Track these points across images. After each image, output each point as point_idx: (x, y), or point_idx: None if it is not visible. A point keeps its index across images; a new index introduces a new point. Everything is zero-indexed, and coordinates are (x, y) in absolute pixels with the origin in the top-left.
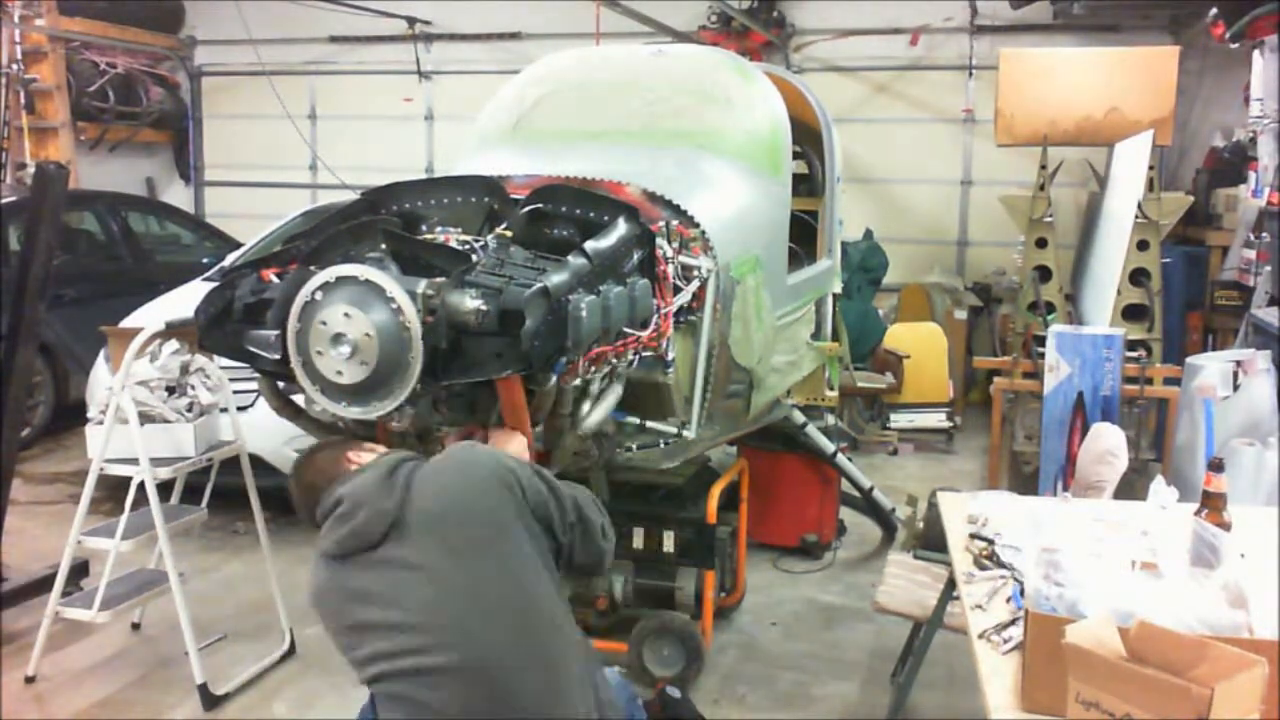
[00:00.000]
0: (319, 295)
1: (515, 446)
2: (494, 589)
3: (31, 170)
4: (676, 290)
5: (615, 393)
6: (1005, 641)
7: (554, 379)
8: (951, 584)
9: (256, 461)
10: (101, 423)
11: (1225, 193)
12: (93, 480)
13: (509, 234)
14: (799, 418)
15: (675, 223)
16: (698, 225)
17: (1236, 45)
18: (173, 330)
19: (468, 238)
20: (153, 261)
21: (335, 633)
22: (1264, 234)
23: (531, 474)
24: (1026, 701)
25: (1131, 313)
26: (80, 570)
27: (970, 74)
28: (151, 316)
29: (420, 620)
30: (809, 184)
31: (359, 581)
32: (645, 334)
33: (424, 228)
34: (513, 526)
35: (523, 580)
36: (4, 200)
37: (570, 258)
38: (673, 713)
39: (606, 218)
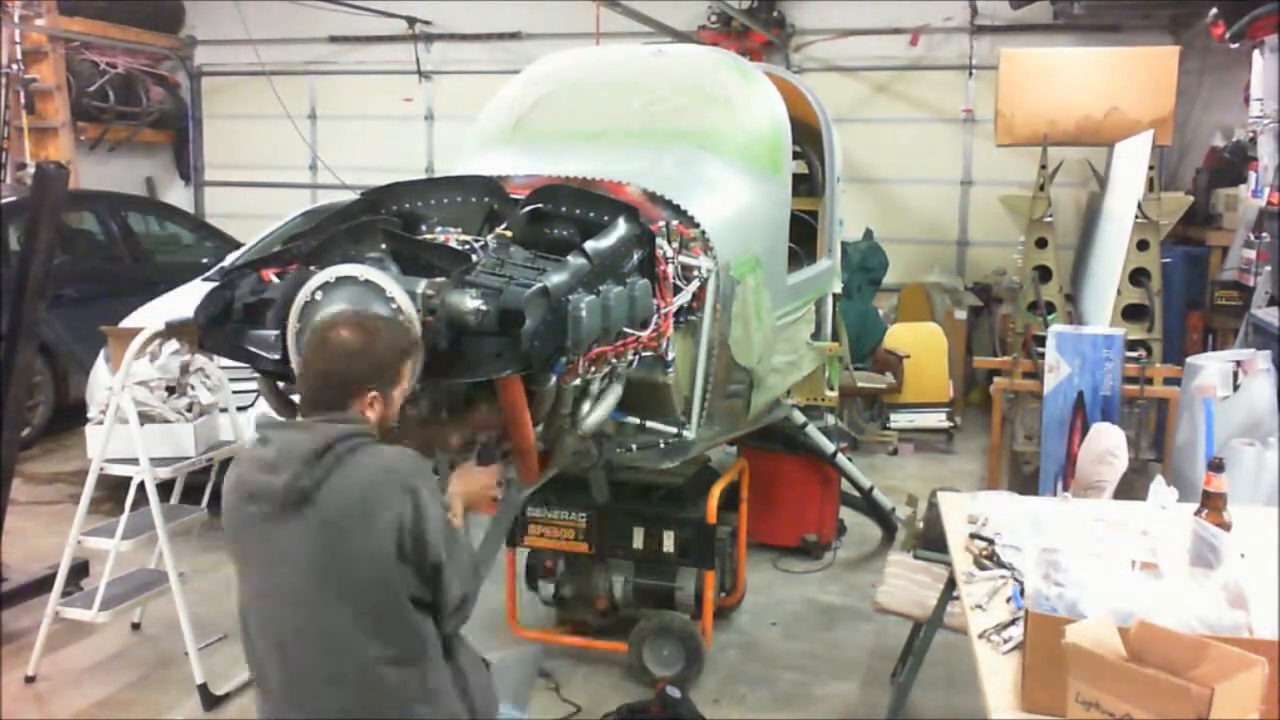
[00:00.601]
0: (319, 295)
1: (479, 484)
2: (323, 618)
3: (31, 170)
4: (676, 290)
5: (615, 393)
6: (1005, 641)
7: (554, 379)
8: (951, 584)
9: None
10: (101, 423)
11: (1225, 193)
12: (93, 480)
13: (509, 234)
14: (799, 418)
15: (675, 223)
16: (698, 225)
17: (1236, 45)
18: (173, 330)
19: (468, 238)
20: (153, 261)
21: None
22: (1264, 234)
23: (425, 508)
24: (1026, 701)
25: (1131, 313)
26: (80, 570)
27: (970, 74)
28: (151, 316)
29: (255, 597)
30: (809, 184)
31: (247, 525)
32: (645, 334)
33: (424, 228)
34: (386, 562)
35: (354, 621)
36: (4, 200)
37: (570, 258)
38: (673, 713)
39: (606, 218)
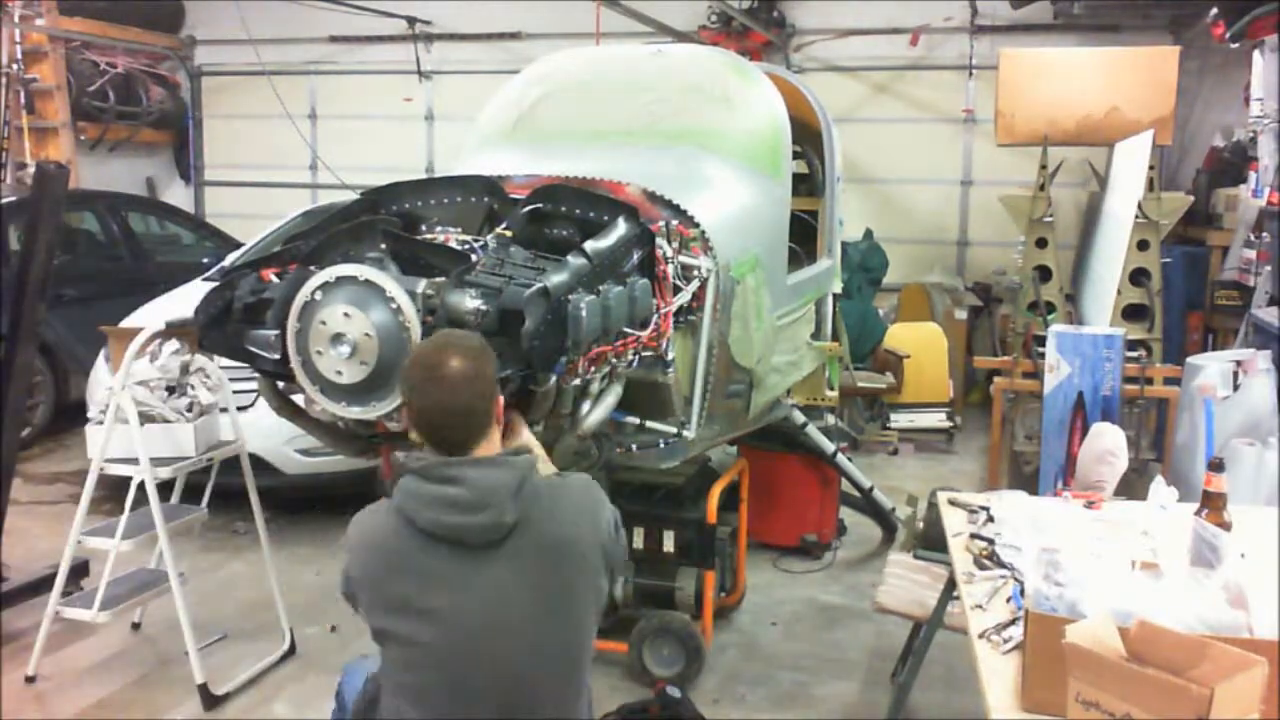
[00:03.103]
0: (319, 295)
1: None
2: (556, 640)
3: (31, 170)
4: (676, 290)
5: (615, 393)
6: (1005, 641)
7: (554, 379)
8: (952, 584)
9: (256, 461)
10: (101, 423)
11: (1225, 193)
12: (93, 480)
13: (509, 234)
14: (799, 418)
15: (675, 223)
16: (698, 225)
17: (1236, 45)
18: (173, 330)
19: (468, 238)
20: (153, 261)
21: (373, 591)
22: (1264, 234)
23: (614, 519)
24: (1026, 701)
25: (1131, 313)
26: (80, 570)
27: (970, 74)
28: (151, 316)
29: (470, 637)
30: (809, 184)
31: (439, 566)
32: (645, 334)
33: (424, 228)
34: (597, 575)
35: (580, 637)
36: (4, 200)
37: (570, 258)
38: (673, 713)
39: (606, 218)
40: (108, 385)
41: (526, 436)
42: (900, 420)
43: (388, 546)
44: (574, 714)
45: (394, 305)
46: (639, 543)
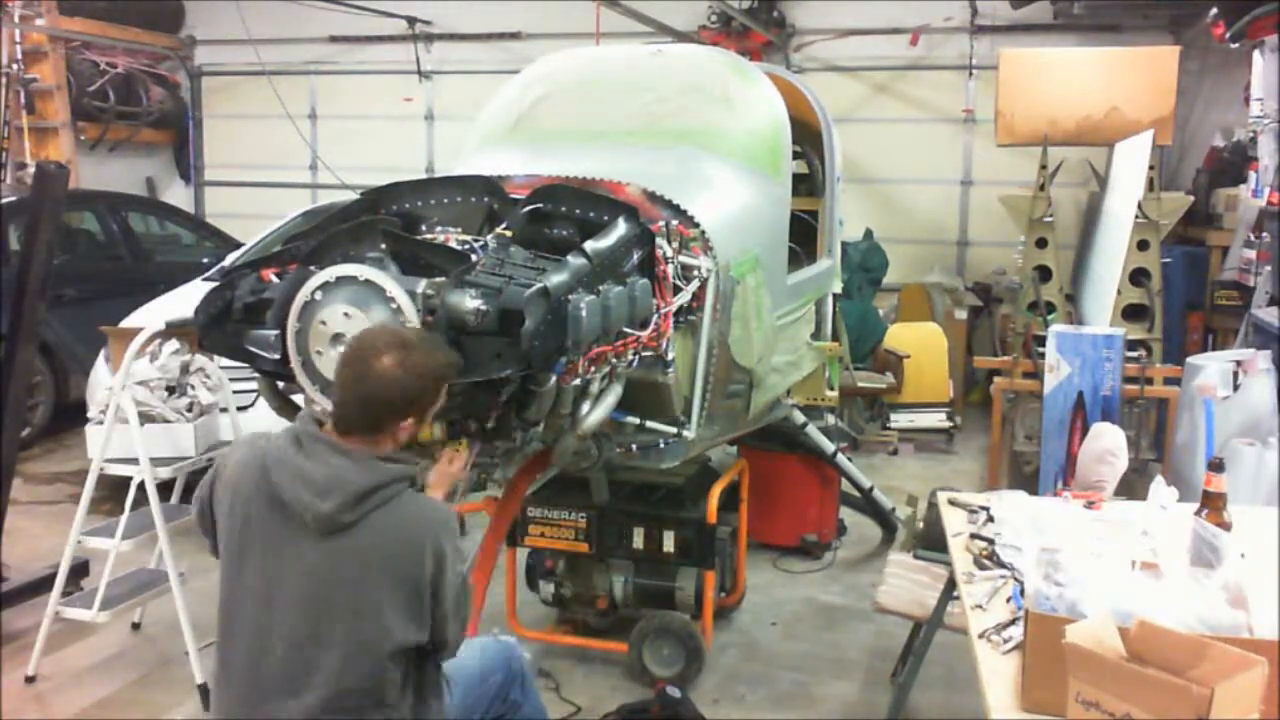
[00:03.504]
0: (319, 295)
1: (451, 469)
2: (329, 651)
3: (31, 170)
4: (676, 290)
5: (615, 393)
6: (1005, 641)
7: (554, 379)
8: (952, 584)
9: None
10: (101, 423)
11: (1225, 193)
12: (93, 480)
13: (509, 234)
14: (799, 418)
15: (675, 223)
16: (698, 225)
17: (1236, 45)
18: (173, 330)
19: (468, 238)
20: (153, 261)
21: (224, 502)
22: (1264, 234)
23: (449, 554)
24: (1026, 701)
25: (1131, 313)
26: (80, 570)
27: (970, 74)
28: (151, 316)
29: (264, 605)
30: (809, 184)
31: (266, 525)
32: (645, 334)
33: (424, 228)
34: (411, 603)
35: (350, 661)
36: (4, 200)
37: (570, 258)
38: (673, 712)
39: (606, 218)
40: (108, 385)
41: (440, 471)
42: (900, 420)
43: (239, 483)
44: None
45: (394, 305)
46: (639, 543)
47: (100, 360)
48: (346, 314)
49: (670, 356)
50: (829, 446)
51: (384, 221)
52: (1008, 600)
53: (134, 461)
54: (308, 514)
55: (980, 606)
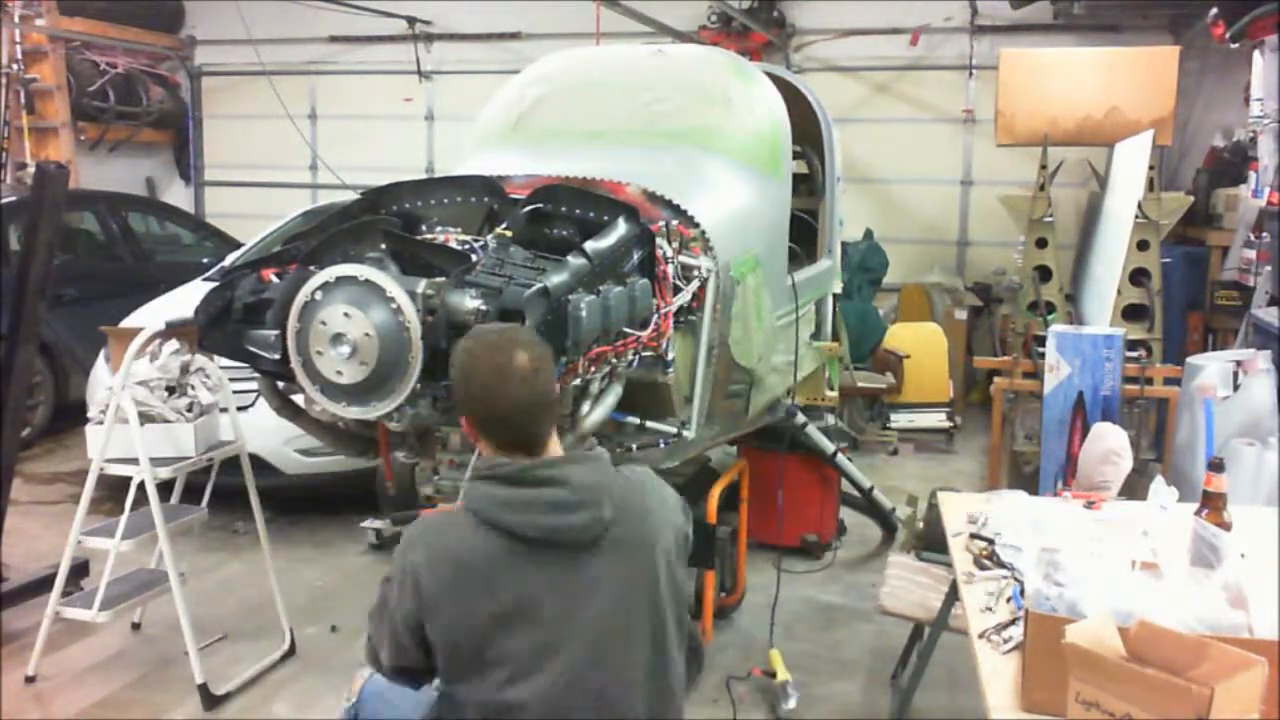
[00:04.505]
0: (319, 295)
1: None
2: (646, 631)
3: (31, 170)
4: (676, 290)
5: (615, 393)
6: (1005, 641)
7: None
8: (956, 587)
9: (256, 461)
10: (101, 423)
11: (1225, 193)
12: (93, 480)
13: (509, 234)
14: (799, 418)
15: (675, 223)
16: (698, 225)
17: (1236, 45)
18: (173, 330)
19: (468, 238)
20: (153, 261)
21: (460, 608)
22: (1264, 234)
23: (685, 506)
24: (1026, 701)
25: (1131, 313)
26: (80, 570)
27: (970, 74)
28: (151, 316)
29: (581, 634)
30: (809, 184)
31: (538, 573)
32: (645, 334)
33: (424, 228)
34: (680, 565)
35: (674, 651)
36: (4, 200)
37: (570, 258)
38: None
39: (606, 218)
40: (108, 385)
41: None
42: (900, 420)
43: (475, 559)
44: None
45: (394, 305)
46: None
47: (100, 360)
48: (346, 314)
49: (670, 356)
50: (829, 446)
51: (384, 221)
52: (1008, 600)
53: (134, 461)
54: (572, 533)
55: (990, 609)
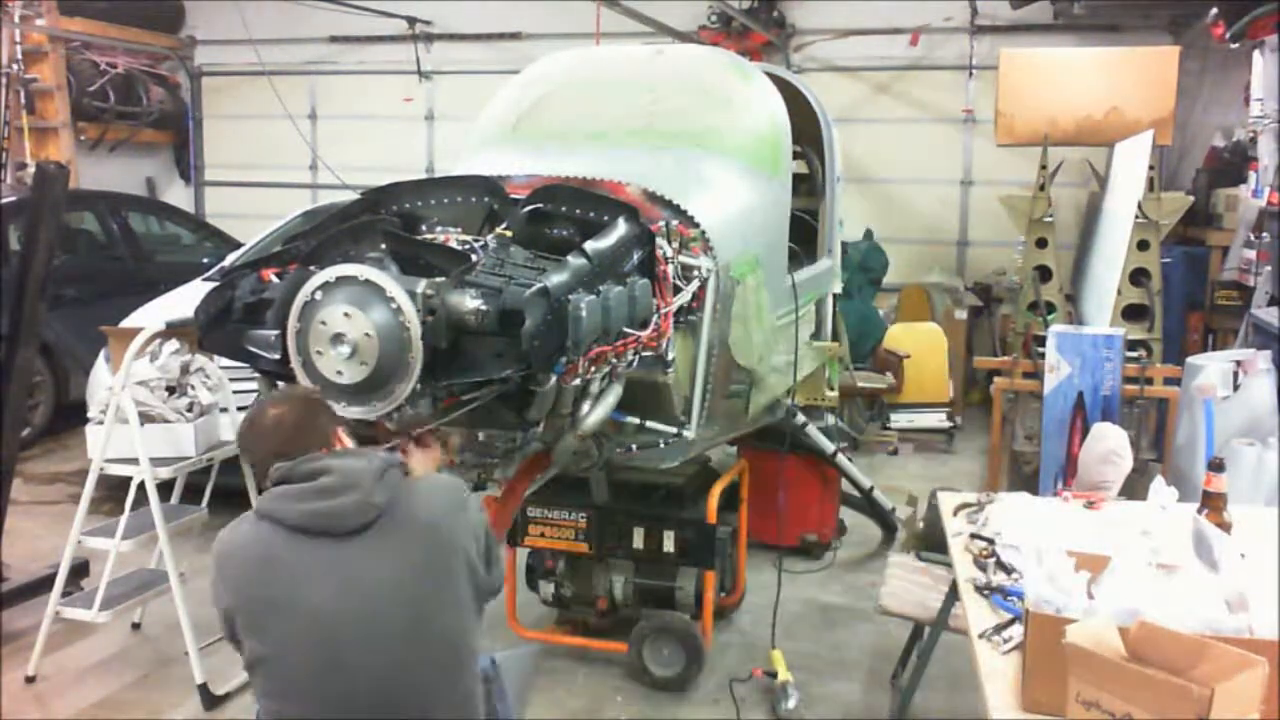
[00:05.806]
0: (319, 295)
1: (429, 461)
2: (437, 621)
3: (31, 170)
4: (676, 290)
5: (615, 393)
6: (1005, 641)
7: (554, 379)
8: (955, 587)
9: None
10: (101, 423)
11: (1225, 193)
12: (93, 480)
13: (509, 234)
14: (799, 418)
15: (675, 223)
16: (698, 225)
17: (1236, 45)
18: (173, 330)
19: (468, 238)
20: (153, 261)
21: (237, 596)
22: (1264, 234)
23: (484, 516)
24: (1026, 701)
25: (1131, 313)
26: (80, 570)
27: (970, 74)
28: (151, 316)
29: (352, 620)
30: (809, 184)
31: (309, 558)
32: (645, 334)
33: (424, 228)
34: (469, 557)
35: (462, 622)
36: (4, 200)
37: (570, 258)
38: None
39: (606, 218)
40: (108, 385)
41: (422, 457)
42: (900, 420)
43: (255, 553)
44: (469, 689)
45: (394, 305)
46: (639, 543)
47: (100, 360)
48: (347, 314)
49: (670, 356)
50: (829, 446)
51: (384, 221)
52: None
53: (134, 461)
54: (339, 515)
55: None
